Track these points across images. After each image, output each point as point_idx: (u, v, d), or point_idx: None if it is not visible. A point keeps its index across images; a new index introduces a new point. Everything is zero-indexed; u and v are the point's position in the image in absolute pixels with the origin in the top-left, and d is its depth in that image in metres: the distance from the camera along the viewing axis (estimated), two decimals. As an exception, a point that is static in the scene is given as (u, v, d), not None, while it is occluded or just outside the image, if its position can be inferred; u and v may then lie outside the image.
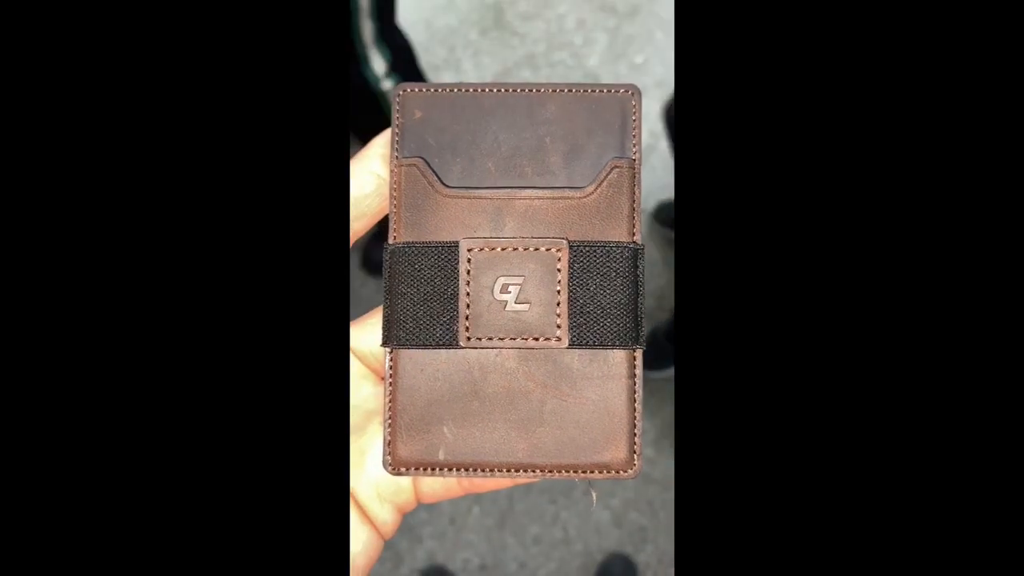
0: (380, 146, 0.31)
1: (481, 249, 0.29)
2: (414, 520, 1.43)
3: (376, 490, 0.31)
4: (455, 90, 0.30)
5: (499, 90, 0.30)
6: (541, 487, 1.48)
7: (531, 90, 0.30)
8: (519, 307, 0.29)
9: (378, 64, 1.15)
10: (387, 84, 1.17)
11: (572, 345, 0.29)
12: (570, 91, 0.30)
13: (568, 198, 0.29)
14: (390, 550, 1.37)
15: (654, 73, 1.80)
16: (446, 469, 0.29)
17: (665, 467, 1.47)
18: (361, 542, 0.30)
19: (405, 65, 1.21)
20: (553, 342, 0.29)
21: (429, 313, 0.29)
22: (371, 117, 1.18)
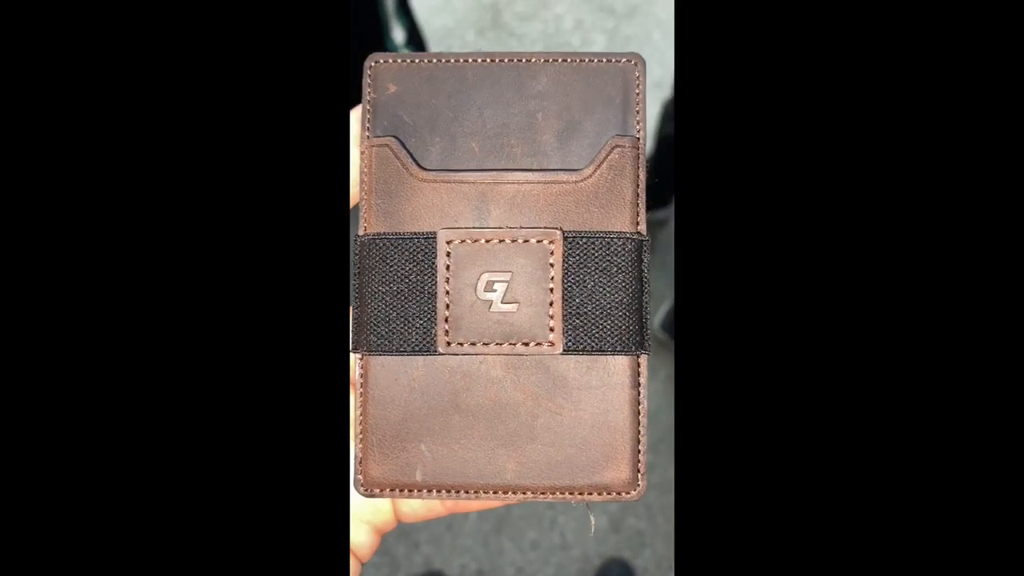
0: (351, 125, 0.28)
1: (463, 241, 0.26)
2: (410, 526, 1.42)
3: (351, 510, 0.28)
4: (434, 61, 0.27)
5: (484, 60, 0.27)
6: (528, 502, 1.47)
7: (520, 60, 0.27)
8: (506, 307, 0.26)
9: (398, 34, 1.20)
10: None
11: (567, 351, 0.26)
12: (564, 60, 0.27)
13: (563, 182, 0.26)
14: (386, 555, 1.36)
15: (652, 74, 1.80)
16: (425, 491, 0.26)
17: (663, 471, 1.46)
18: None
19: (419, 38, 1.26)
20: (545, 347, 0.26)
21: (403, 315, 0.26)
22: None
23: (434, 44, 1.82)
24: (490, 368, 0.26)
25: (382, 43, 1.21)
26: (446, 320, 0.26)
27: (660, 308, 1.60)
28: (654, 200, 1.64)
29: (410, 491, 0.26)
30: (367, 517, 0.28)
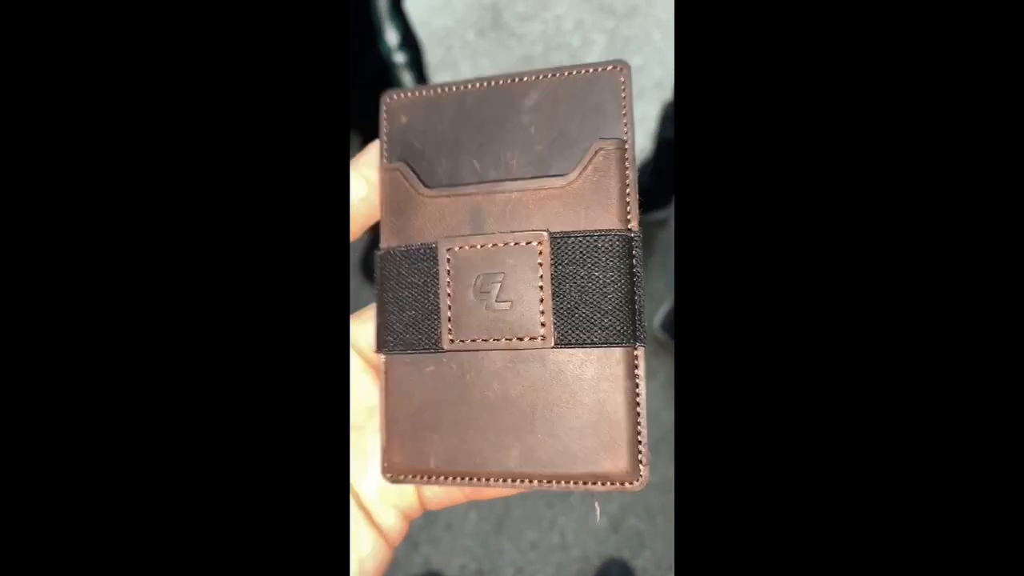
0: (373, 152, 0.31)
1: (460, 247, 0.28)
2: (410, 525, 1.43)
3: (379, 494, 0.30)
4: (438, 91, 0.30)
5: (480, 85, 0.29)
6: (538, 491, 1.47)
7: (512, 80, 0.29)
8: (501, 305, 0.27)
9: (392, 36, 1.21)
10: (399, 57, 1.23)
11: (559, 344, 0.27)
12: (553, 75, 0.28)
13: (551, 188, 0.28)
14: (385, 555, 1.36)
15: (652, 75, 1.80)
16: (440, 477, 0.28)
17: (663, 472, 1.46)
18: (369, 545, 0.29)
19: (414, 39, 1.26)
20: (539, 341, 0.27)
21: (415, 317, 0.28)
22: (382, 91, 1.23)
23: (434, 44, 1.82)
24: (492, 362, 0.28)
25: (375, 45, 1.20)
26: (449, 320, 0.28)
27: (660, 309, 1.61)
28: (655, 201, 1.64)
29: (426, 478, 0.28)
30: (394, 501, 0.30)
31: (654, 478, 1.51)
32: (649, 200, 1.64)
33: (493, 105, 0.29)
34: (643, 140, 1.67)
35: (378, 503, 0.30)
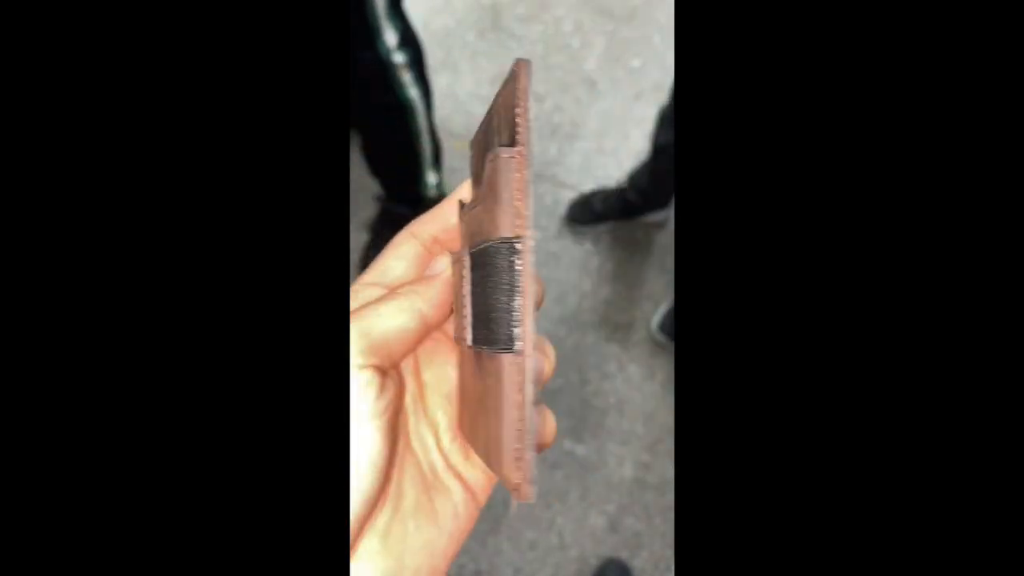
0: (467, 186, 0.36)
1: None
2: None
3: (462, 451, 0.34)
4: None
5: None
6: (536, 492, 1.47)
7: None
8: (463, 312, 0.32)
9: (390, 37, 1.19)
10: (398, 57, 1.21)
11: (474, 347, 0.30)
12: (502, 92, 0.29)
13: (474, 207, 0.30)
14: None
15: (651, 77, 1.80)
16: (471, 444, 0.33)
17: (660, 472, 1.47)
18: (459, 493, 0.32)
19: (414, 38, 1.25)
20: (468, 342, 0.30)
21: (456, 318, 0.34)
22: (381, 91, 1.22)
23: (434, 45, 1.82)
24: (473, 357, 0.31)
25: (373, 46, 1.19)
26: (463, 319, 0.33)
27: (658, 310, 1.61)
28: (653, 202, 1.64)
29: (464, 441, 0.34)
30: (476, 461, 0.34)
31: (652, 479, 1.51)
32: (647, 202, 1.64)
33: (489, 136, 0.31)
34: (641, 142, 1.67)
35: (462, 463, 0.34)
